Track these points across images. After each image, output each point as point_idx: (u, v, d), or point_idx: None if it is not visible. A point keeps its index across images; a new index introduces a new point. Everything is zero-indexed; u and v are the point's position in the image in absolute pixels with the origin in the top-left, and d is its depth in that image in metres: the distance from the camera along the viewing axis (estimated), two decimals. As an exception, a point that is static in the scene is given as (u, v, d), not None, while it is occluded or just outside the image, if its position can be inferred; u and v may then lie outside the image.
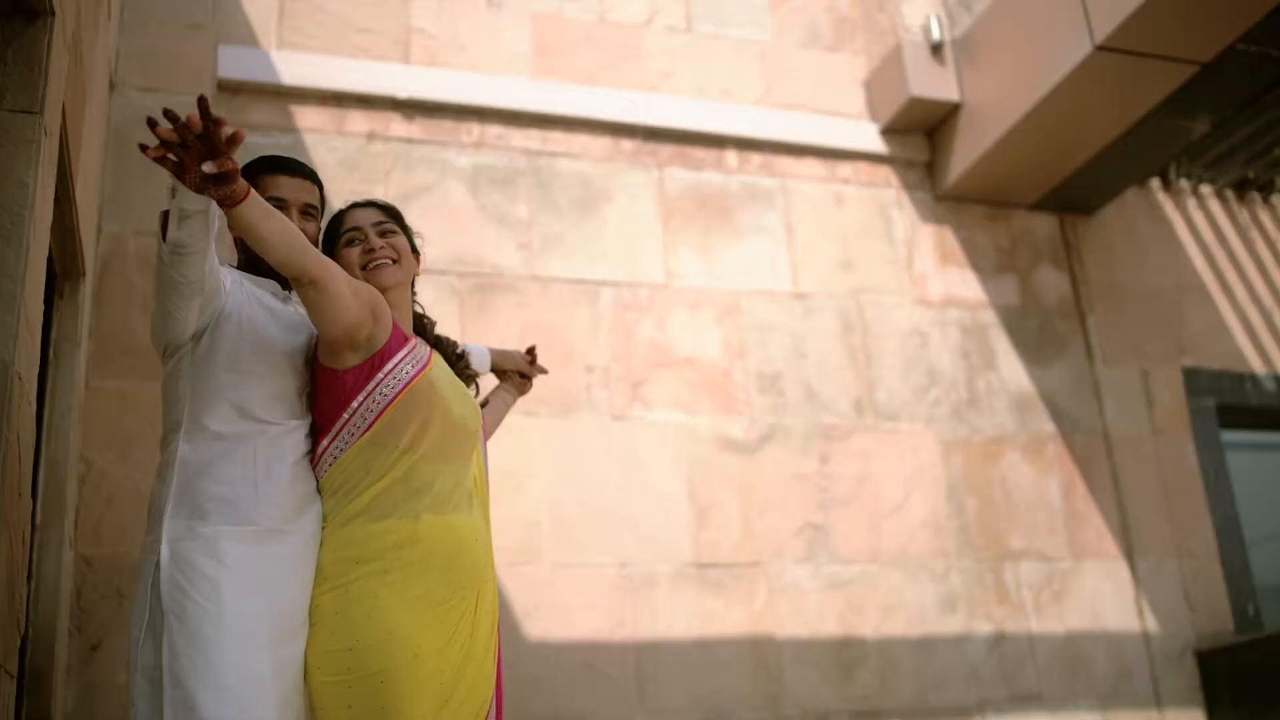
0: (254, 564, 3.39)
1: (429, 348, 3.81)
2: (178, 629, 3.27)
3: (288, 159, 3.94)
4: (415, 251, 3.95)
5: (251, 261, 3.74)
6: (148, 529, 3.48)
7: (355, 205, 3.96)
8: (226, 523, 3.40)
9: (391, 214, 3.94)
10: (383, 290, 3.69)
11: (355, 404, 3.56)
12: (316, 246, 3.70)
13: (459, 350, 4.04)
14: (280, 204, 3.70)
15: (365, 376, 3.57)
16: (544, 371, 4.61)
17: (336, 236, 3.88)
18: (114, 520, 5.91)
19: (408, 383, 3.60)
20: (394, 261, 3.79)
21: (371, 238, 3.81)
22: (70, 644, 5.63)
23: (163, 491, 3.46)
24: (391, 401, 3.57)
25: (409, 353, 3.67)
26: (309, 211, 3.83)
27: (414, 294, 3.99)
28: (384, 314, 3.61)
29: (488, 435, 4.14)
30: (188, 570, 3.33)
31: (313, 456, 3.62)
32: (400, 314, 3.79)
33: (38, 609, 4.98)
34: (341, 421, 3.57)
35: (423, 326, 3.98)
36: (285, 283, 3.74)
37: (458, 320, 7.19)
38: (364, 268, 3.75)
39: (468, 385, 3.97)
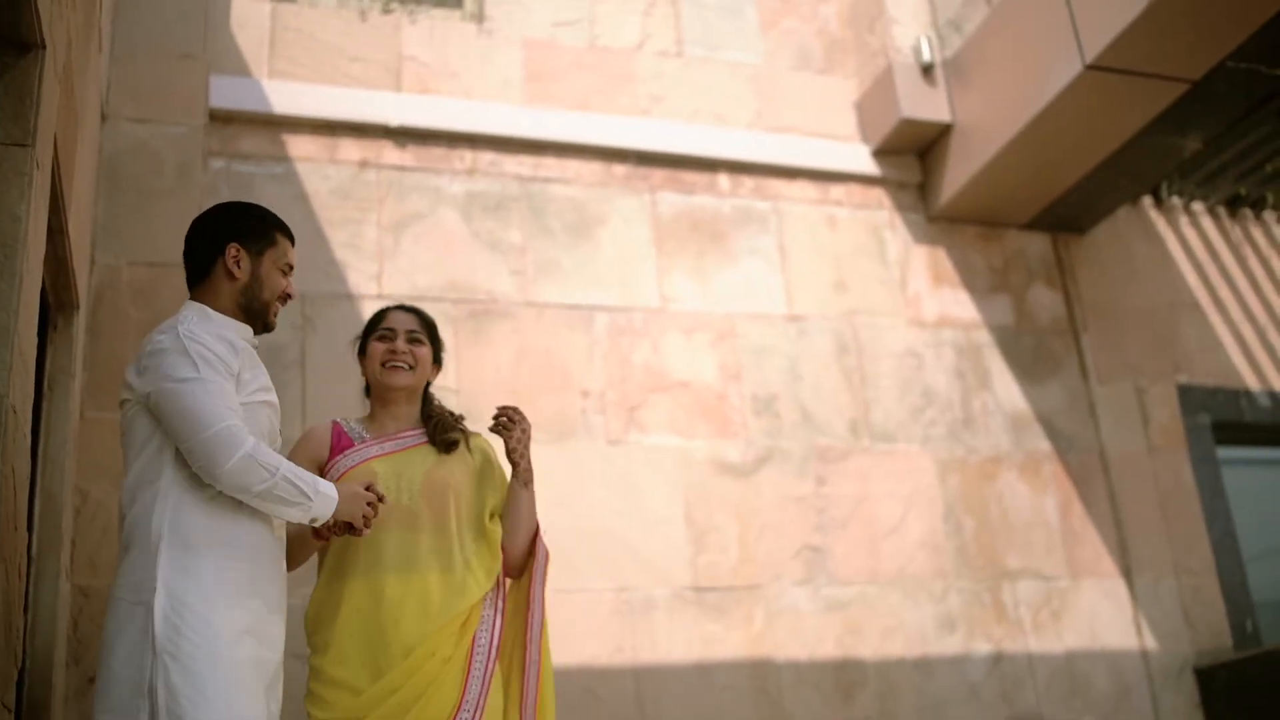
0: (244, 610, 3.53)
1: (384, 445, 4.34)
2: (174, 668, 3.33)
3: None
4: (438, 362, 4.55)
5: (245, 306, 3.89)
6: (129, 569, 3.51)
7: (400, 308, 4.57)
8: (220, 562, 3.53)
9: (427, 325, 4.52)
10: (389, 389, 4.38)
11: None
12: (283, 296, 3.99)
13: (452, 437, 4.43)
14: (290, 269, 4.00)
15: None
16: (508, 426, 4.45)
17: (374, 329, 4.50)
18: (110, 551, 5.89)
19: (344, 472, 4.22)
20: (410, 368, 4.39)
21: (399, 341, 4.40)
22: (67, 675, 5.61)
23: (149, 533, 3.51)
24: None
25: (348, 454, 4.28)
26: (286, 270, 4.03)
27: (429, 395, 4.55)
28: (312, 449, 4.32)
29: (515, 531, 4.40)
30: (184, 612, 3.40)
31: None
32: (392, 409, 4.41)
33: (34, 641, 4.97)
34: None
35: (429, 416, 4.45)
36: (263, 325, 3.96)
37: (453, 348, 7.18)
38: (383, 364, 4.39)
39: (446, 451, 4.36)
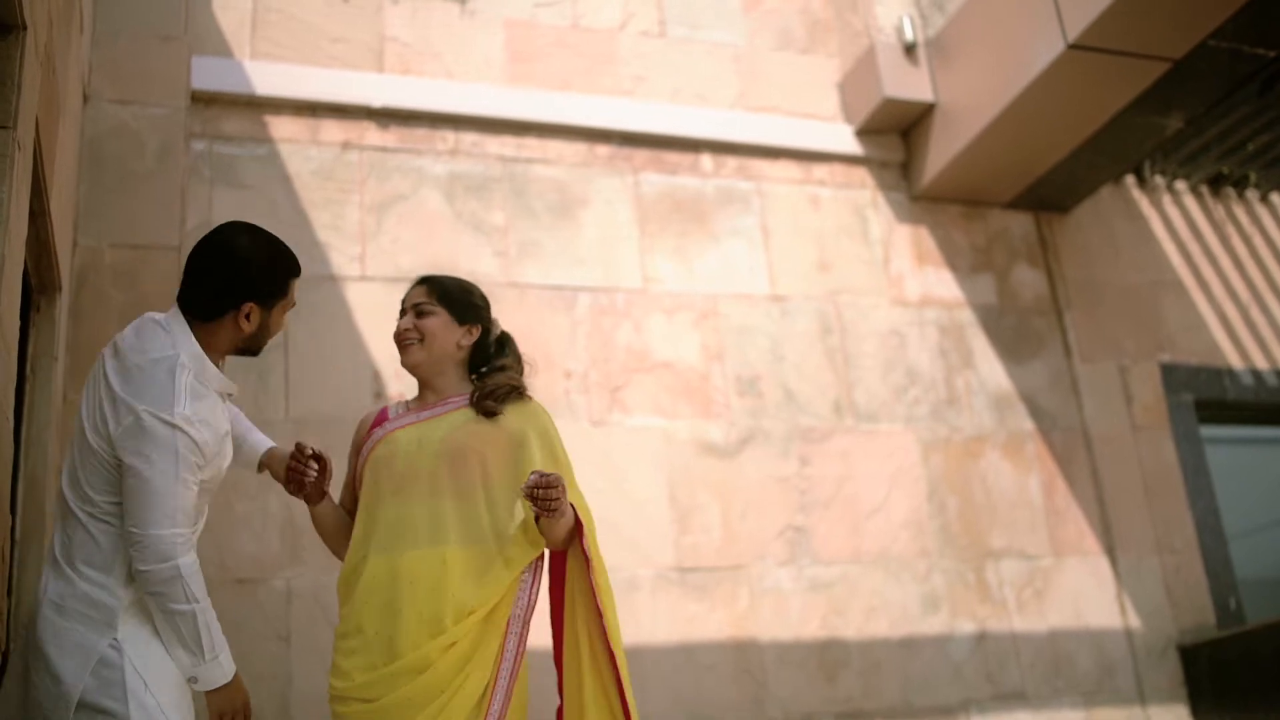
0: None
1: (419, 415, 4.23)
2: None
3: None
4: (468, 320, 4.30)
5: (242, 348, 3.89)
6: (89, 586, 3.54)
7: (418, 281, 4.39)
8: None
9: (440, 290, 4.32)
10: (407, 368, 4.29)
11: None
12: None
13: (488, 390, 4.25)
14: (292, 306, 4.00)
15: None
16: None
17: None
18: (94, 534, 5.89)
19: (372, 447, 4.19)
20: (419, 341, 4.23)
21: (405, 319, 4.28)
22: (52, 659, 5.59)
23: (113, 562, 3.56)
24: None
25: (379, 429, 4.23)
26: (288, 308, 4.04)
27: (486, 355, 4.38)
28: (357, 436, 4.33)
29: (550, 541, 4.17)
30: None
31: None
32: (431, 384, 4.27)
33: (18, 625, 4.96)
34: None
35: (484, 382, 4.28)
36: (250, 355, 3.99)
37: (436, 328, 7.17)
38: (398, 345, 4.28)
39: (488, 416, 4.16)
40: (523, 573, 4.02)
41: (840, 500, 7.87)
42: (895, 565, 7.83)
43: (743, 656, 7.33)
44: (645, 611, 7.20)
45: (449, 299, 4.27)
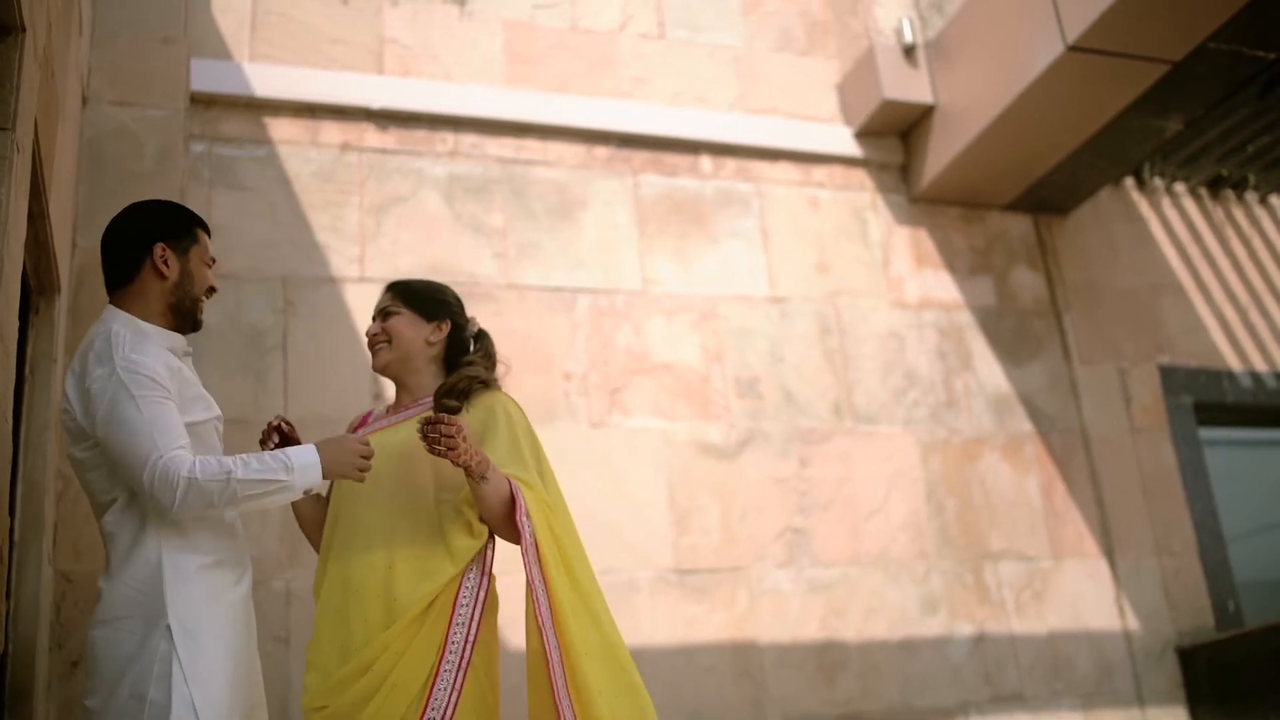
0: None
1: (392, 419, 4.19)
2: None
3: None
4: (436, 318, 4.25)
5: (175, 306, 3.84)
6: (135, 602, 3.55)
7: (386, 288, 4.34)
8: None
9: (401, 292, 4.30)
10: (378, 371, 4.25)
11: None
12: (208, 290, 3.96)
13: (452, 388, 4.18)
14: (213, 263, 3.99)
15: None
16: (442, 444, 3.92)
17: None
18: (93, 536, 5.88)
19: None
20: (387, 343, 4.18)
21: (375, 323, 4.23)
22: (51, 661, 5.60)
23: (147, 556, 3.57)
24: None
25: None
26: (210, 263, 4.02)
27: (464, 352, 4.30)
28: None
29: (489, 524, 4.02)
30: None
31: None
32: (403, 386, 4.23)
33: (17, 627, 4.96)
34: None
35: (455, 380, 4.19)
36: (192, 324, 3.93)
37: (435, 330, 7.18)
38: (370, 351, 4.24)
39: (451, 414, 4.03)
40: (470, 564, 3.91)
41: (839, 502, 7.87)
42: (894, 567, 7.84)
43: (742, 658, 7.33)
44: (644, 613, 7.20)
45: (414, 298, 4.26)
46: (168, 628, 3.45)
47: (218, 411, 3.87)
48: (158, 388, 3.53)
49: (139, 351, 3.57)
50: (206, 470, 3.44)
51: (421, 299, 4.26)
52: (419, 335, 4.20)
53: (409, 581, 3.80)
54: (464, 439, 3.68)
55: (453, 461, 3.71)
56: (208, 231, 3.98)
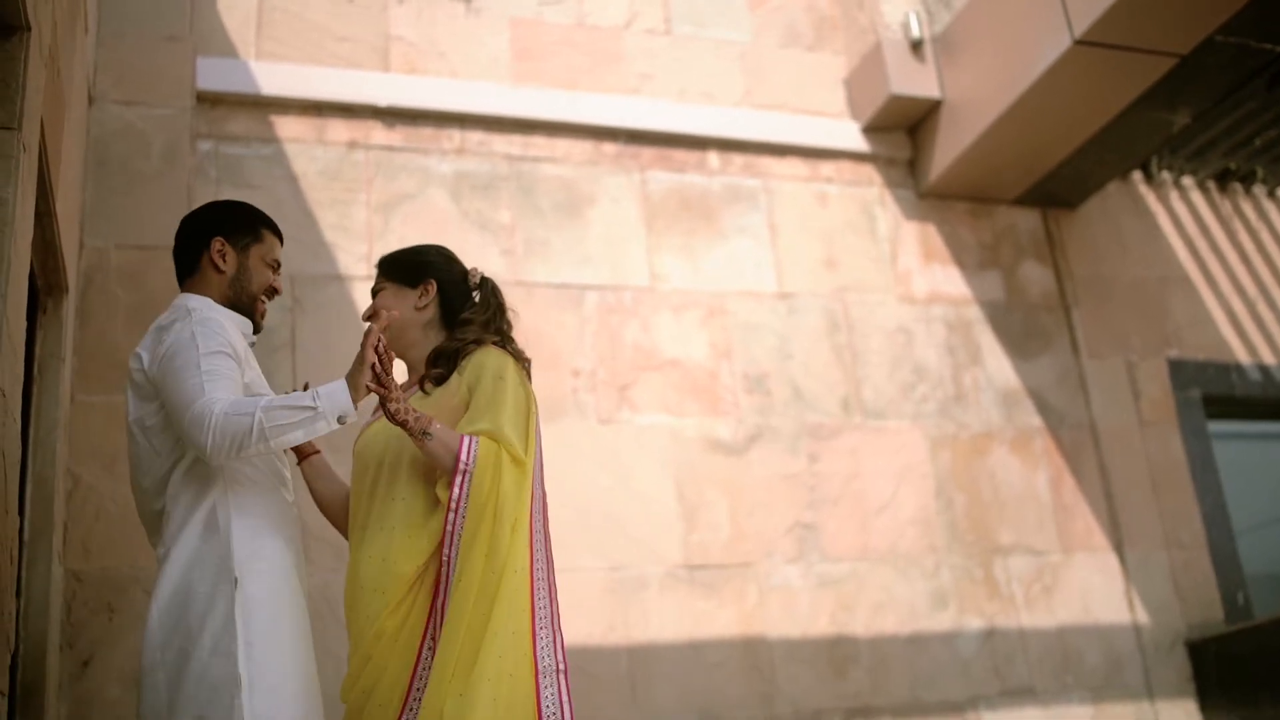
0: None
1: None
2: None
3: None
4: (418, 283, 4.12)
5: (233, 300, 3.92)
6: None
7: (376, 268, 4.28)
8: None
9: (382, 266, 4.21)
10: None
11: None
12: (269, 290, 4.03)
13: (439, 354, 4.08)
14: (277, 266, 4.05)
15: None
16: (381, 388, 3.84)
17: None
18: (102, 534, 5.90)
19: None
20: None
21: (368, 307, 4.12)
22: (61, 659, 5.61)
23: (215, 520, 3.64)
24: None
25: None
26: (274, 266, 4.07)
27: (451, 321, 4.16)
28: None
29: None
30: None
31: None
32: (411, 354, 4.12)
33: (28, 625, 4.97)
34: None
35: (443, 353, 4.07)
36: (253, 325, 4.00)
37: (443, 327, 7.19)
38: None
39: (438, 383, 3.99)
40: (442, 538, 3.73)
41: (848, 497, 7.87)
42: (903, 562, 7.83)
43: (751, 653, 7.33)
44: (654, 609, 7.21)
45: (393, 268, 4.15)
46: (232, 590, 3.51)
47: (265, 382, 3.98)
48: (225, 345, 3.63)
49: (216, 313, 3.73)
50: (236, 406, 3.48)
51: (400, 266, 4.16)
52: (406, 304, 4.07)
53: (396, 566, 3.71)
54: (396, 397, 3.64)
55: (394, 414, 3.65)
56: (279, 235, 4.05)
